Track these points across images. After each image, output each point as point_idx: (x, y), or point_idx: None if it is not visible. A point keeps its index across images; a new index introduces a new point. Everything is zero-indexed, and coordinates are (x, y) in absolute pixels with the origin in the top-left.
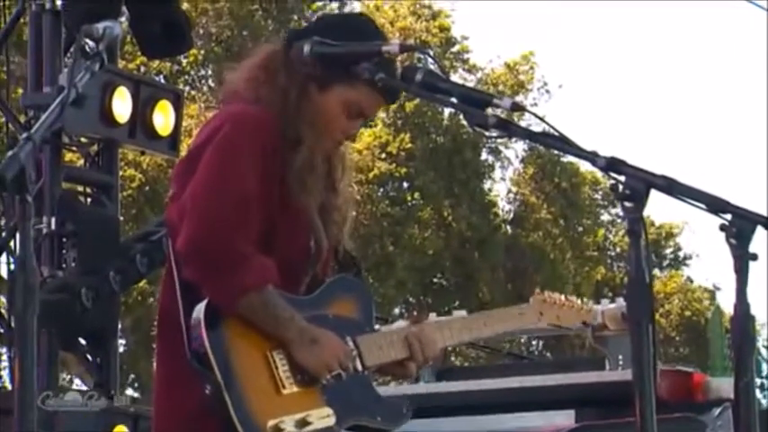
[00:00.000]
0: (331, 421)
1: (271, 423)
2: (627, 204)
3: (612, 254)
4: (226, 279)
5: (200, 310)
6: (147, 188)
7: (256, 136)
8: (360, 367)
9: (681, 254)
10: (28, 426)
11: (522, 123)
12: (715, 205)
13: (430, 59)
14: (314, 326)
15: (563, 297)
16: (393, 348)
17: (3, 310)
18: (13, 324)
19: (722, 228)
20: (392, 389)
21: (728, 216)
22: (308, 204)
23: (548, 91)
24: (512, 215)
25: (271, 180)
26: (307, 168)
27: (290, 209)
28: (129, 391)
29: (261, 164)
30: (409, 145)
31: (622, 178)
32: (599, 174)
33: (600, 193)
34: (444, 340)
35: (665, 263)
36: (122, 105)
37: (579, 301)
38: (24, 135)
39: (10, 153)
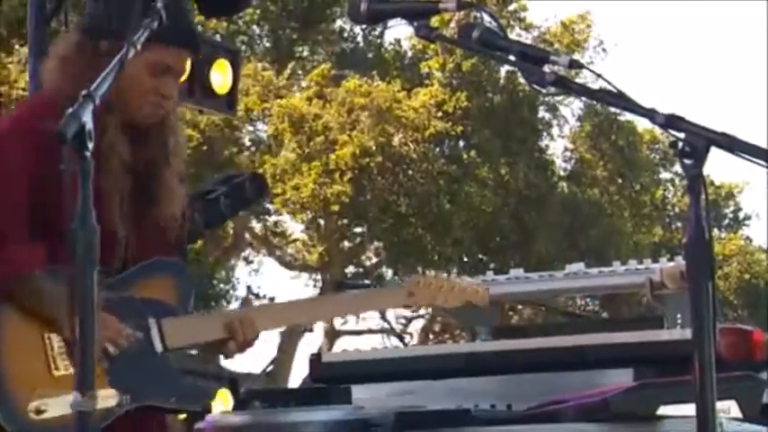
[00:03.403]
0: (111, 402)
1: (32, 405)
2: (686, 161)
3: (671, 214)
4: None
5: None
6: (204, 147)
7: (21, 122)
8: (159, 348)
9: (741, 214)
10: (87, 382)
11: (579, 81)
12: None
13: (487, 17)
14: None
15: (446, 279)
16: (207, 330)
17: None
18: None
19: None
20: (449, 347)
21: None
22: (106, 185)
23: (604, 49)
24: (569, 172)
25: (49, 160)
26: (104, 150)
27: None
28: None
29: (28, 149)
30: (465, 103)
31: (682, 135)
32: (657, 132)
33: (658, 152)
34: (266, 321)
35: (724, 223)
36: None
37: (468, 283)
38: (84, 92)
39: (70, 110)
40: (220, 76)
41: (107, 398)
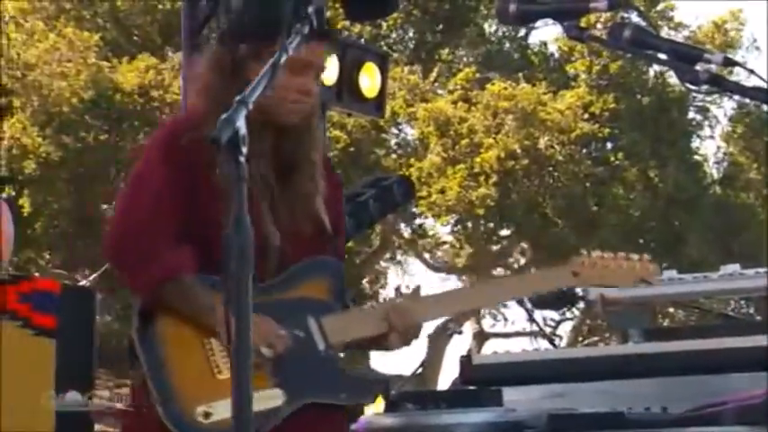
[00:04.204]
0: (277, 402)
1: (199, 409)
2: None
3: None
4: (138, 274)
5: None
6: (351, 149)
7: (166, 140)
8: (322, 345)
9: None
10: (244, 390)
11: (733, 80)
12: None
13: (637, 16)
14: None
15: (612, 257)
16: (366, 324)
17: None
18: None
19: None
20: (601, 349)
21: None
22: (255, 189)
23: (757, 48)
24: (721, 175)
25: (197, 174)
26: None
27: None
28: None
29: (174, 165)
30: (613, 105)
31: None
32: None
33: None
34: (427, 311)
35: None
36: (330, 68)
37: (636, 258)
38: (238, 98)
39: (224, 116)
40: (369, 80)
41: (271, 398)
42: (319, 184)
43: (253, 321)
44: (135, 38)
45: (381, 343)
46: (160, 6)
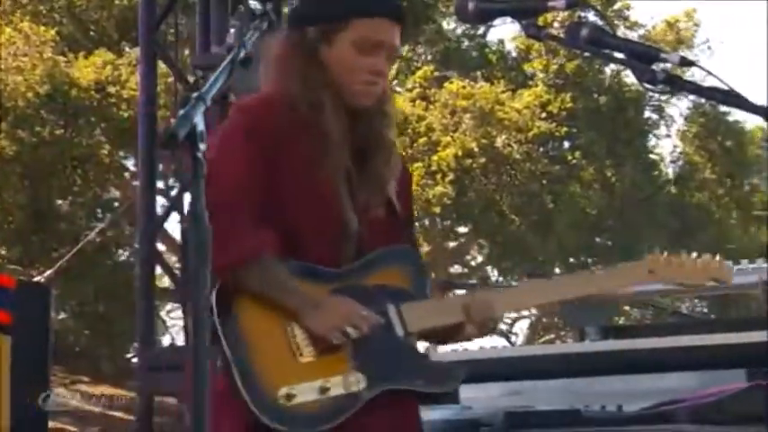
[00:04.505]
0: (359, 387)
1: (282, 391)
2: None
3: None
4: (218, 255)
5: (213, 290)
6: None
7: (245, 122)
8: (401, 333)
9: None
10: (202, 381)
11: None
12: None
13: (594, 16)
14: (328, 295)
15: (686, 255)
16: (445, 313)
17: (174, 269)
18: (184, 281)
19: None
20: (557, 347)
21: None
22: (328, 175)
23: (710, 47)
24: (676, 175)
25: (277, 157)
26: (321, 139)
27: (310, 177)
28: None
29: (254, 147)
30: (570, 104)
31: None
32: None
33: None
34: (505, 304)
35: None
36: None
37: (709, 258)
38: (195, 95)
39: (181, 112)
40: None
41: (351, 383)
42: (395, 167)
43: (329, 300)
44: (91, 33)
45: (457, 334)
46: (117, 2)
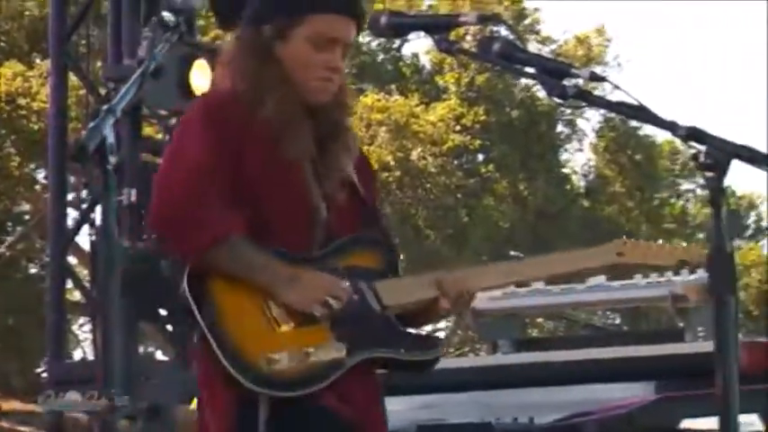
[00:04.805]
0: (339, 354)
1: (263, 357)
2: (708, 174)
3: (692, 225)
4: (186, 240)
5: (184, 274)
6: None
7: (206, 110)
8: (377, 307)
9: (763, 224)
10: (111, 394)
11: (598, 95)
12: None
13: (506, 30)
14: (302, 270)
15: (654, 242)
16: (418, 289)
17: (85, 282)
18: (94, 294)
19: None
20: (470, 360)
21: None
22: (294, 164)
23: (619, 64)
24: (587, 188)
25: (241, 148)
26: (282, 126)
27: (277, 167)
28: None
29: (214, 134)
30: (483, 117)
31: (703, 148)
32: (677, 144)
33: (678, 164)
34: (480, 280)
35: (746, 233)
36: (201, 77)
37: (675, 243)
38: (105, 107)
39: (91, 124)
40: (202, 78)
41: (332, 350)
42: (353, 150)
43: (305, 273)
44: (2, 44)
45: (431, 311)
46: (27, 12)
